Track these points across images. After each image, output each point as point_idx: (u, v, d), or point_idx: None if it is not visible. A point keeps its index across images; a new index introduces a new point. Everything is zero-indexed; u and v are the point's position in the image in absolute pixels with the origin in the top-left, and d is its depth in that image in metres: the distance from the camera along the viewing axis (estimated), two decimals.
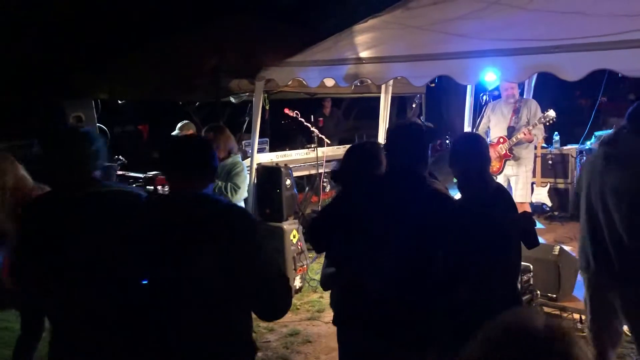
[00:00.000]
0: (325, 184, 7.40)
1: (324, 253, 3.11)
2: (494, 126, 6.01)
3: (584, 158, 7.95)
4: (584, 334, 4.31)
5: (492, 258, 2.79)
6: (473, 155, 2.90)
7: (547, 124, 5.97)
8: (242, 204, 4.68)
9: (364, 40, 5.00)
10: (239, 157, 4.82)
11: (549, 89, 6.66)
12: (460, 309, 2.56)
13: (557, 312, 4.76)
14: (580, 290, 5.00)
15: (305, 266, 5.75)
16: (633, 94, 12.53)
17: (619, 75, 4.18)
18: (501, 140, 5.85)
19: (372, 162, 2.83)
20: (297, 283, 5.62)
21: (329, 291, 2.94)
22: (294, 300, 5.41)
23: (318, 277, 5.94)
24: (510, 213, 2.95)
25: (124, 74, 6.55)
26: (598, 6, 3.69)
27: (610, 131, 7.97)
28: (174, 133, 6.38)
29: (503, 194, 3.00)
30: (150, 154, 8.15)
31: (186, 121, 6.51)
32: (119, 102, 7.74)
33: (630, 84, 11.59)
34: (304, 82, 5.38)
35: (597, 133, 8.10)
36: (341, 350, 2.81)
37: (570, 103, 12.78)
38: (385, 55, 4.74)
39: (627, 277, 2.92)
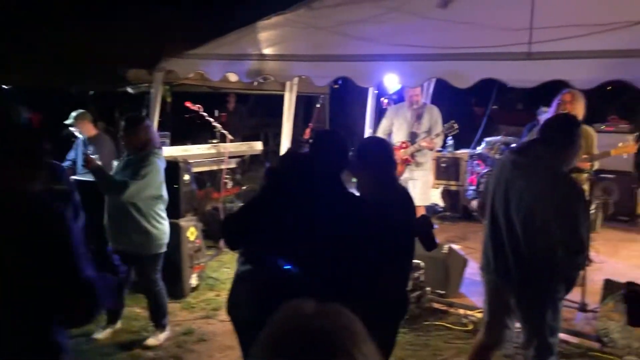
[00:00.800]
0: (227, 180, 7.30)
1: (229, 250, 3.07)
2: (397, 130, 6.12)
3: (475, 162, 8.43)
4: (468, 329, 4.61)
5: (395, 261, 2.89)
6: (383, 160, 2.98)
7: (450, 134, 6.23)
8: (156, 204, 4.35)
9: (268, 37, 4.99)
10: (155, 152, 4.31)
11: (445, 96, 6.95)
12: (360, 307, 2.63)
13: (445, 308, 5.00)
14: (467, 287, 5.31)
15: (202, 264, 5.64)
16: (521, 103, 13.42)
17: (508, 85, 4.49)
18: (403, 145, 5.96)
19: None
20: (194, 281, 5.50)
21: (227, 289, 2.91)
22: (189, 299, 5.29)
23: (216, 274, 5.86)
24: (413, 217, 3.06)
25: (5, 59, 6.10)
26: (487, 18, 3.90)
27: (498, 137, 8.54)
28: (67, 122, 6.05)
29: (407, 198, 3.10)
30: None
31: (82, 110, 6.17)
32: (3, 87, 7.20)
33: (519, 94, 12.39)
34: (205, 75, 5.28)
35: (487, 139, 8.61)
36: (245, 350, 2.80)
37: (464, 110, 13.45)
38: (289, 53, 4.77)
39: (522, 279, 3.11)
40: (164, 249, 4.42)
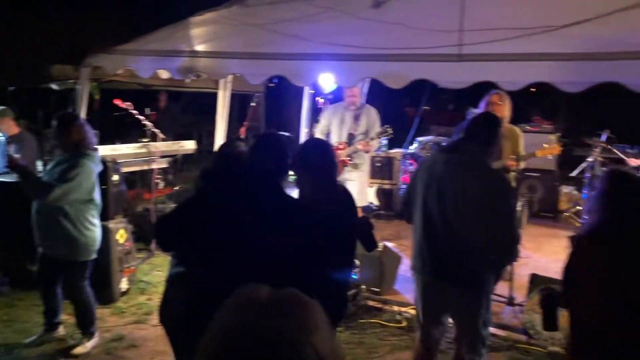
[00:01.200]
0: (158, 181, 7.10)
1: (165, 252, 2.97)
2: (335, 131, 6.09)
3: (407, 161, 8.60)
4: (402, 325, 4.68)
5: (337, 262, 2.86)
6: (324, 162, 2.97)
7: (384, 138, 6.29)
8: (87, 209, 4.12)
9: (200, 34, 4.88)
10: (88, 154, 4.06)
11: (378, 97, 7.04)
12: None
13: (380, 306, 5.06)
14: (401, 284, 5.40)
15: (133, 267, 5.45)
16: (452, 104, 13.83)
17: (438, 86, 4.59)
18: (341, 146, 5.94)
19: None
20: (124, 285, 5.31)
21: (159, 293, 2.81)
22: (119, 304, 5.10)
23: (147, 278, 5.68)
24: (354, 217, 3.06)
25: None
26: (419, 20, 3.97)
27: (430, 137, 8.76)
28: None
29: (348, 198, 3.09)
30: None
31: (3, 107, 5.83)
32: None
33: (450, 95, 12.77)
34: (135, 72, 5.10)
35: (419, 139, 8.81)
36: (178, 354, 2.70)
37: (397, 110, 13.72)
38: (222, 50, 4.68)
39: (458, 276, 3.16)
40: (93, 256, 4.22)
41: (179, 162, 8.24)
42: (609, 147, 8.15)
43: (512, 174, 5.62)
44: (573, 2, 3.70)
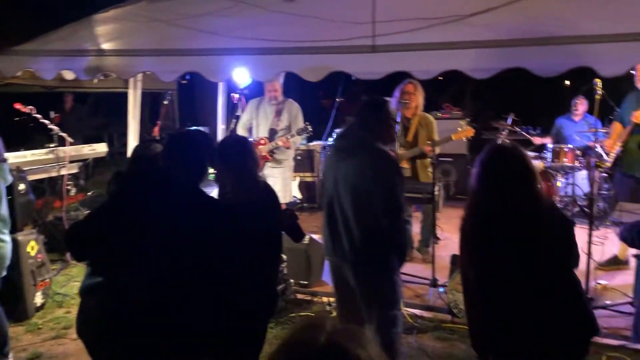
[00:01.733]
0: (69, 187, 6.73)
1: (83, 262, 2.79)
2: (257, 126, 5.99)
3: (327, 153, 8.68)
4: (333, 315, 4.72)
5: (262, 259, 2.84)
6: (245, 159, 2.91)
7: (304, 135, 6.27)
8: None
9: (106, 31, 4.65)
10: None
11: (294, 90, 7.02)
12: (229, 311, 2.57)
13: (309, 298, 5.08)
14: (328, 275, 5.43)
15: (47, 280, 5.15)
16: (366, 95, 14.08)
17: (352, 77, 4.64)
18: (262, 141, 5.86)
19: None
20: (39, 299, 5.00)
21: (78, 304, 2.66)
22: (34, 320, 4.80)
23: (64, 290, 5.39)
24: (277, 211, 3.02)
25: None
26: (333, 13, 4.00)
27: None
28: None
29: (271, 194, 3.06)
30: None
31: None
32: None
33: (363, 86, 12.97)
34: (37, 73, 4.79)
35: (337, 130, 8.89)
36: None
37: (314, 103, 13.83)
38: (131, 48, 4.49)
39: (357, 257, 3.22)
40: (2, 274, 3.93)
41: (90, 167, 7.85)
42: (515, 129, 8.62)
43: (429, 160, 5.84)
44: None
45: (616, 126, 5.37)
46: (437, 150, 5.44)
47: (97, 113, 11.09)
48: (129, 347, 2.41)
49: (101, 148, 7.70)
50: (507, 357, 2.51)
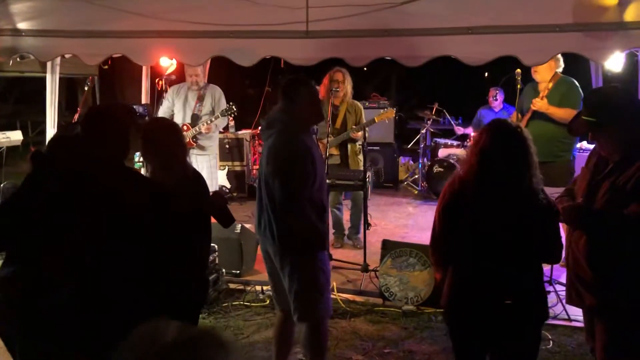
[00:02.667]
0: None
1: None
2: (178, 112, 5.84)
3: (257, 142, 8.61)
4: (266, 304, 4.71)
5: (190, 243, 2.79)
6: (171, 143, 2.83)
7: (230, 116, 6.16)
8: None
9: (22, 10, 4.35)
10: None
11: (219, 78, 6.89)
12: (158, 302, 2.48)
13: (242, 287, 5.04)
14: (261, 263, 5.39)
15: None
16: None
17: (281, 64, 4.61)
18: (184, 127, 5.71)
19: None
20: None
21: None
22: None
23: None
24: (205, 197, 2.97)
25: None
26: None
27: None
28: None
29: (198, 179, 2.99)
30: None
31: None
32: None
33: (291, 74, 12.94)
34: None
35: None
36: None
37: (239, 91, 13.65)
38: (51, 28, 4.23)
39: (279, 240, 3.16)
40: None
41: (2, 156, 7.37)
42: (438, 118, 8.91)
43: (358, 145, 5.94)
44: None
45: (513, 117, 5.72)
46: (366, 134, 5.53)
47: (7, 100, 10.43)
48: (56, 332, 2.29)
49: (16, 136, 7.25)
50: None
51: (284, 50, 3.97)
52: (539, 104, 4.99)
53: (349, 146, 5.92)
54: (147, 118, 4.74)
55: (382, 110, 6.11)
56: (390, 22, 3.73)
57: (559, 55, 4.70)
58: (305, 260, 3.18)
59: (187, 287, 2.84)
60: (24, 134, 7.98)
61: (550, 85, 4.98)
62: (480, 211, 2.54)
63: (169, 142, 2.85)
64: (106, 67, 6.03)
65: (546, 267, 4.16)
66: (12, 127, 8.66)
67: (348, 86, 5.77)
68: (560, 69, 5.05)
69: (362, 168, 5.65)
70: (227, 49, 3.95)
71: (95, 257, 2.28)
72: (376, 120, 5.85)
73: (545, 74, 5.02)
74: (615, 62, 3.84)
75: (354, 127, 5.73)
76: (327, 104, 5.39)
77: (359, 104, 5.97)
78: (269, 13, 3.86)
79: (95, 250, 2.27)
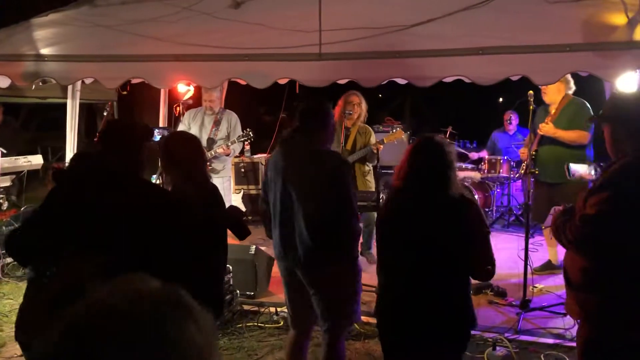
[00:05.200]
0: (1, 201, 6.42)
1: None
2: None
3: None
4: (280, 325, 4.70)
5: (206, 257, 2.81)
6: (195, 154, 2.90)
7: (248, 141, 6.29)
8: None
9: (46, 36, 4.50)
10: None
11: (236, 105, 7.00)
12: None
13: (256, 309, 5.03)
14: (275, 285, 5.40)
15: None
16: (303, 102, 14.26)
17: (297, 90, 4.70)
18: None
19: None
20: None
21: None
22: None
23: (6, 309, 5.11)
24: (221, 210, 3.01)
25: None
26: (279, 20, 4.04)
27: None
28: None
29: (216, 190, 3.04)
30: None
31: None
32: None
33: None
34: None
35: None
36: None
37: (256, 117, 13.84)
38: (72, 53, 4.36)
39: (308, 262, 3.21)
40: None
41: (24, 181, 7.51)
42: (452, 142, 8.91)
43: (367, 168, 6.00)
44: (420, 3, 3.99)
45: (530, 137, 5.72)
46: (379, 156, 5.63)
47: (30, 127, 10.66)
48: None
49: (36, 160, 7.40)
50: (395, 328, 2.76)
51: (297, 73, 4.04)
52: (545, 128, 4.99)
53: (358, 167, 5.96)
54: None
55: (391, 131, 6.17)
56: (401, 44, 3.79)
57: (569, 77, 4.72)
58: (348, 267, 3.25)
59: (202, 299, 2.84)
60: (44, 159, 8.14)
61: (559, 108, 4.98)
62: (397, 224, 2.70)
63: (189, 153, 2.89)
64: (125, 92, 6.18)
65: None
66: (33, 153, 8.85)
67: (363, 109, 5.85)
68: (570, 91, 5.05)
69: (370, 189, 5.69)
70: (241, 71, 4.03)
71: (113, 266, 2.32)
72: (385, 141, 5.90)
73: (553, 95, 5.03)
74: (628, 82, 3.84)
75: (365, 148, 5.80)
76: (340, 125, 5.46)
77: (369, 127, 6.05)
78: (283, 36, 3.95)
79: (113, 261, 2.31)
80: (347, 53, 3.90)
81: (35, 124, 10.97)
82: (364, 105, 5.82)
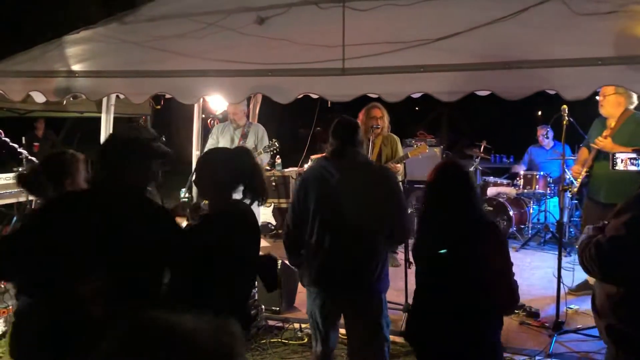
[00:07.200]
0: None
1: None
2: None
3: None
4: (304, 342, 4.65)
5: (228, 278, 2.77)
6: (235, 174, 2.79)
7: (272, 152, 6.33)
8: None
9: (77, 53, 4.62)
10: None
11: (272, 119, 7.07)
12: None
13: (281, 324, 5.00)
14: (300, 301, 5.36)
15: (10, 307, 4.99)
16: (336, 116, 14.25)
17: (328, 104, 4.68)
18: None
19: None
20: (1, 327, 4.84)
21: None
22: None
23: None
24: (258, 234, 2.94)
25: None
26: (302, 36, 4.03)
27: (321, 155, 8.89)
28: None
29: (246, 216, 2.93)
30: None
31: None
32: None
33: (337, 114, 13.06)
34: (5, 95, 4.74)
35: (312, 157, 8.91)
36: None
37: (291, 132, 13.91)
38: (101, 69, 4.47)
39: (352, 284, 3.24)
40: None
41: None
42: (487, 157, 8.73)
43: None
44: (445, 17, 3.91)
45: (582, 152, 5.47)
46: (400, 167, 5.70)
47: (71, 141, 10.98)
48: None
49: None
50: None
51: (320, 88, 4.02)
52: (602, 142, 4.74)
53: None
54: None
55: (415, 145, 6.15)
56: (426, 58, 3.72)
57: (631, 91, 4.47)
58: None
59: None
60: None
61: (619, 122, 4.73)
62: (422, 241, 2.87)
63: (228, 171, 2.76)
64: (159, 107, 6.29)
65: None
66: None
67: (385, 121, 5.86)
68: (632, 105, 4.78)
69: None
70: (265, 86, 4.04)
71: (119, 284, 2.30)
72: (409, 156, 5.88)
73: (611, 109, 4.76)
74: None
75: (392, 160, 5.80)
76: (366, 138, 5.46)
77: (394, 136, 6.02)
78: (307, 51, 3.93)
79: (115, 280, 2.29)
80: (371, 68, 3.86)
81: (77, 138, 11.28)
82: (386, 118, 5.85)
